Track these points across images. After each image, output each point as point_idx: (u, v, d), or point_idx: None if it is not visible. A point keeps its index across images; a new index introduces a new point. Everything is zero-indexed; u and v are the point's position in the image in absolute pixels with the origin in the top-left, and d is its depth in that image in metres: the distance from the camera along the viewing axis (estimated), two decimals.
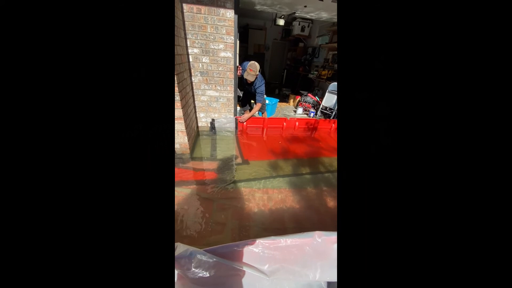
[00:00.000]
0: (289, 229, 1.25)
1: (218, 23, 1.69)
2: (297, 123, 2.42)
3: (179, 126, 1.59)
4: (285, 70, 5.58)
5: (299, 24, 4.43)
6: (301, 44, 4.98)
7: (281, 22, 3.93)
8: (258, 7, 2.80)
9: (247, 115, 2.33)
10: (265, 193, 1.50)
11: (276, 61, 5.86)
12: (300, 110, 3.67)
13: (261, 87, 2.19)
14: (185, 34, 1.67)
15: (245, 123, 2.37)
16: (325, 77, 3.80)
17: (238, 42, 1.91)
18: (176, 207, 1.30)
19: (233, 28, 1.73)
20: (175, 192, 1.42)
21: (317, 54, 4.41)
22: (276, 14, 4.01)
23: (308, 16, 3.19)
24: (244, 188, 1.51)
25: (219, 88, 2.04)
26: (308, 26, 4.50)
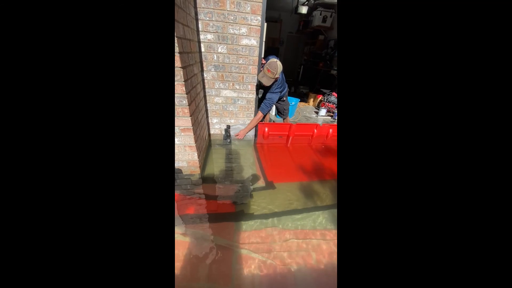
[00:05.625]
0: None
1: None
2: (331, 130, 1.96)
3: (187, 139, 1.16)
4: (302, 66, 5.07)
5: (320, 14, 3.90)
6: (321, 37, 4.45)
7: (304, 9, 3.41)
8: None
9: (243, 131, 1.81)
10: (302, 236, 1.06)
11: (291, 56, 5.39)
12: (323, 112, 3.18)
13: (273, 95, 1.66)
14: (196, 13, 1.23)
15: (266, 129, 1.92)
16: None
17: (265, 25, 1.44)
18: (182, 260, 0.89)
19: (261, 4, 1.27)
20: (183, 237, 1.01)
21: None
22: (298, 0, 3.49)
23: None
24: (273, 229, 1.08)
25: (237, 87, 1.59)
26: (331, 16, 3.96)
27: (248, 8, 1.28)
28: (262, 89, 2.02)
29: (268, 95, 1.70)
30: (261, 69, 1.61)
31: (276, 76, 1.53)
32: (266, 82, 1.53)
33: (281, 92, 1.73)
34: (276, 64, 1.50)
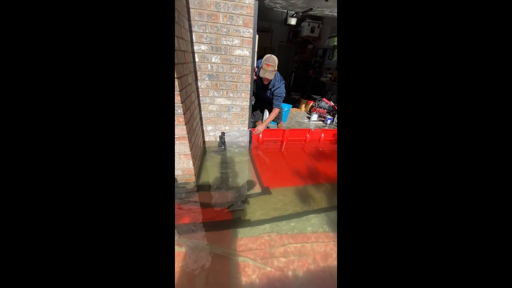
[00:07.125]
0: None
1: (234, 11, 1.30)
2: (322, 135, 2.02)
3: (182, 147, 1.17)
4: (293, 73, 5.25)
5: (308, 25, 4.11)
6: (310, 46, 4.66)
7: (293, 21, 3.58)
8: (271, 4, 2.44)
9: (261, 126, 1.92)
10: (300, 240, 1.07)
11: (282, 64, 5.54)
12: (315, 117, 3.29)
13: (279, 89, 1.77)
14: (189, 25, 1.28)
15: (260, 135, 1.96)
16: None
17: (257, 36, 1.51)
18: (178, 271, 0.87)
19: (252, 17, 1.34)
20: (178, 247, 0.99)
21: (331, 56, 4.06)
22: (287, 13, 3.67)
23: (327, 13, 2.83)
24: (270, 235, 1.08)
25: (231, 95, 1.63)
26: (318, 27, 4.19)
27: (240, 22, 1.34)
28: (255, 96, 2.07)
29: (276, 92, 1.78)
30: (256, 69, 1.68)
31: (276, 68, 1.62)
32: (270, 76, 1.62)
33: (284, 83, 1.83)
34: (272, 58, 1.59)
